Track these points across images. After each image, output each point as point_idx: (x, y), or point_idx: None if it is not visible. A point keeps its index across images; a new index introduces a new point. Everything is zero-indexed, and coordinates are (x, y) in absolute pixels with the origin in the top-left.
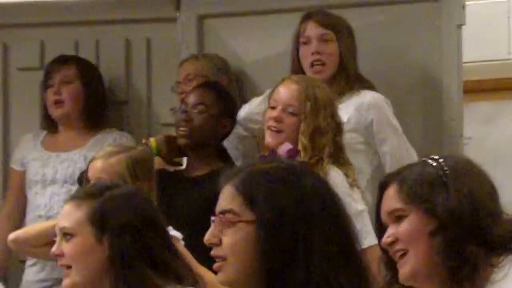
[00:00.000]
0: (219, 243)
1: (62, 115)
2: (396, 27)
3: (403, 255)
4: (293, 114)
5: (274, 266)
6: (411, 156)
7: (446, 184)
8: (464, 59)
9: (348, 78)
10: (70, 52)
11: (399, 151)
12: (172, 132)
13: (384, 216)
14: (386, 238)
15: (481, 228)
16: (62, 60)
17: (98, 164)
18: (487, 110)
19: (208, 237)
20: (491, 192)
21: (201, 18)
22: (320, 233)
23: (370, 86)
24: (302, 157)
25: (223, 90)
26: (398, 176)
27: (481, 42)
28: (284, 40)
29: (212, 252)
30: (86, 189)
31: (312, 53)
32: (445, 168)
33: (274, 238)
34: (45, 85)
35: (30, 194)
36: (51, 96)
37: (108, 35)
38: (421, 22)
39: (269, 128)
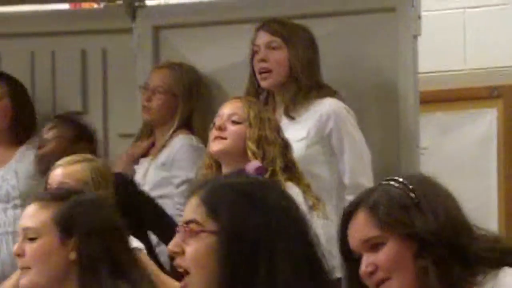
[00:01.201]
0: (182, 253)
1: None
2: (353, 37)
3: (383, 282)
4: (236, 122)
5: (236, 277)
6: (364, 170)
7: (419, 205)
8: (420, 70)
9: (299, 88)
10: (27, 63)
11: (354, 163)
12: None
13: (355, 245)
14: (366, 268)
15: (461, 246)
16: None
17: (60, 170)
18: (443, 120)
19: (171, 246)
20: (460, 207)
21: (157, 29)
22: (284, 247)
23: (329, 93)
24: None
25: (76, 117)
26: (365, 202)
27: (437, 52)
28: (240, 51)
29: (175, 262)
30: (52, 192)
31: (259, 61)
32: (412, 188)
33: (236, 249)
34: None
35: None
36: None
37: (64, 46)
38: (377, 32)
39: (213, 138)
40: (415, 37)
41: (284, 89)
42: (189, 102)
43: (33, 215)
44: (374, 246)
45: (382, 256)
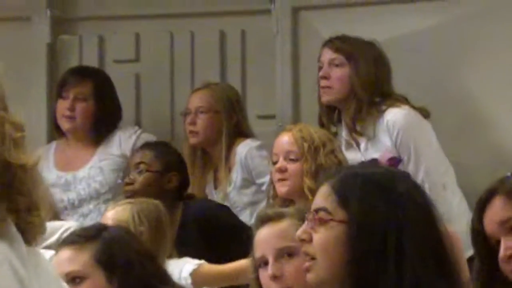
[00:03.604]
0: (310, 240)
1: (71, 128)
2: (486, 18)
3: None
4: (294, 160)
5: (364, 267)
6: (446, 173)
7: None
8: None
9: (360, 105)
10: (166, 43)
11: (433, 166)
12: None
13: (493, 229)
14: (506, 251)
15: None
16: (80, 76)
17: (107, 213)
18: None
19: (299, 233)
20: None
21: (296, 10)
22: (413, 238)
23: (391, 104)
24: (310, 200)
25: (163, 146)
26: (500, 189)
27: None
28: (379, 32)
29: (303, 249)
30: (79, 233)
31: (321, 77)
32: None
33: (365, 240)
34: (58, 94)
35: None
36: (63, 110)
37: (202, 27)
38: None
39: (277, 180)
40: None
41: (346, 106)
42: (232, 115)
43: (72, 259)
44: None
45: None
